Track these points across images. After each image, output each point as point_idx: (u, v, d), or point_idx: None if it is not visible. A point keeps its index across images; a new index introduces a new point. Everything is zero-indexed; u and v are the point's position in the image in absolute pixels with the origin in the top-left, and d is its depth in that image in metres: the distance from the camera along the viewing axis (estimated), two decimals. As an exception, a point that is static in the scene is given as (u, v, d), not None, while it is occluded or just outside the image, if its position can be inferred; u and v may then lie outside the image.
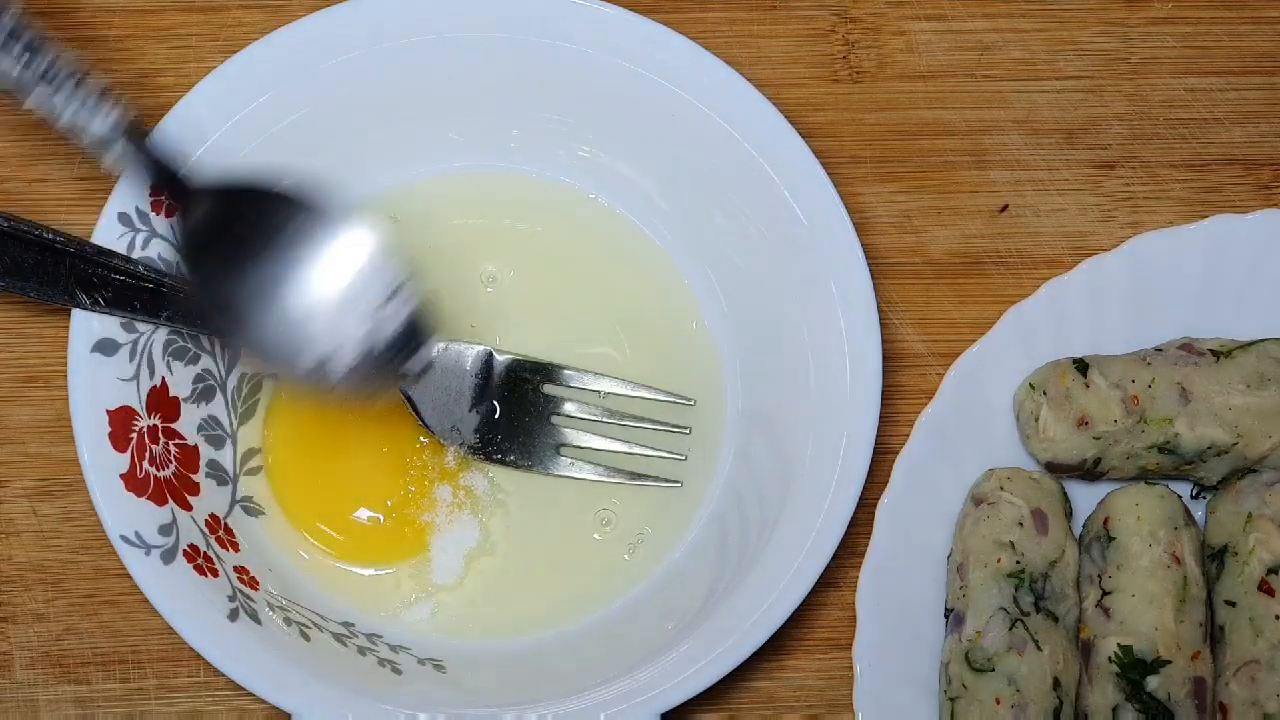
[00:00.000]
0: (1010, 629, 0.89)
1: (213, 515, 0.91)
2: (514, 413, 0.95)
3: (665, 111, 0.93)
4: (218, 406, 0.94)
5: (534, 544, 0.94)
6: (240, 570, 0.90)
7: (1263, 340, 0.93)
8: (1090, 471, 0.93)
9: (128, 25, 1.00)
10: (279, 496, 0.94)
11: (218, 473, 0.93)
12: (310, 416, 0.94)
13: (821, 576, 0.88)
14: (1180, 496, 0.92)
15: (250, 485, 0.94)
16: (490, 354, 0.95)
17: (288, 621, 0.90)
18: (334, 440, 0.95)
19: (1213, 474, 0.93)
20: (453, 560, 0.94)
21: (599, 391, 0.95)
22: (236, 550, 0.91)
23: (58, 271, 0.88)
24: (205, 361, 0.93)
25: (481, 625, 0.93)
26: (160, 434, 0.90)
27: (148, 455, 0.89)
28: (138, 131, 0.84)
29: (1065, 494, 0.93)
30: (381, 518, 0.94)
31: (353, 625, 0.92)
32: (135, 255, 0.90)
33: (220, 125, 0.91)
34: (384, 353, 0.84)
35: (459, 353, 0.95)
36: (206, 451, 0.93)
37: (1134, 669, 0.88)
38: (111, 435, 0.88)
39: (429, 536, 0.94)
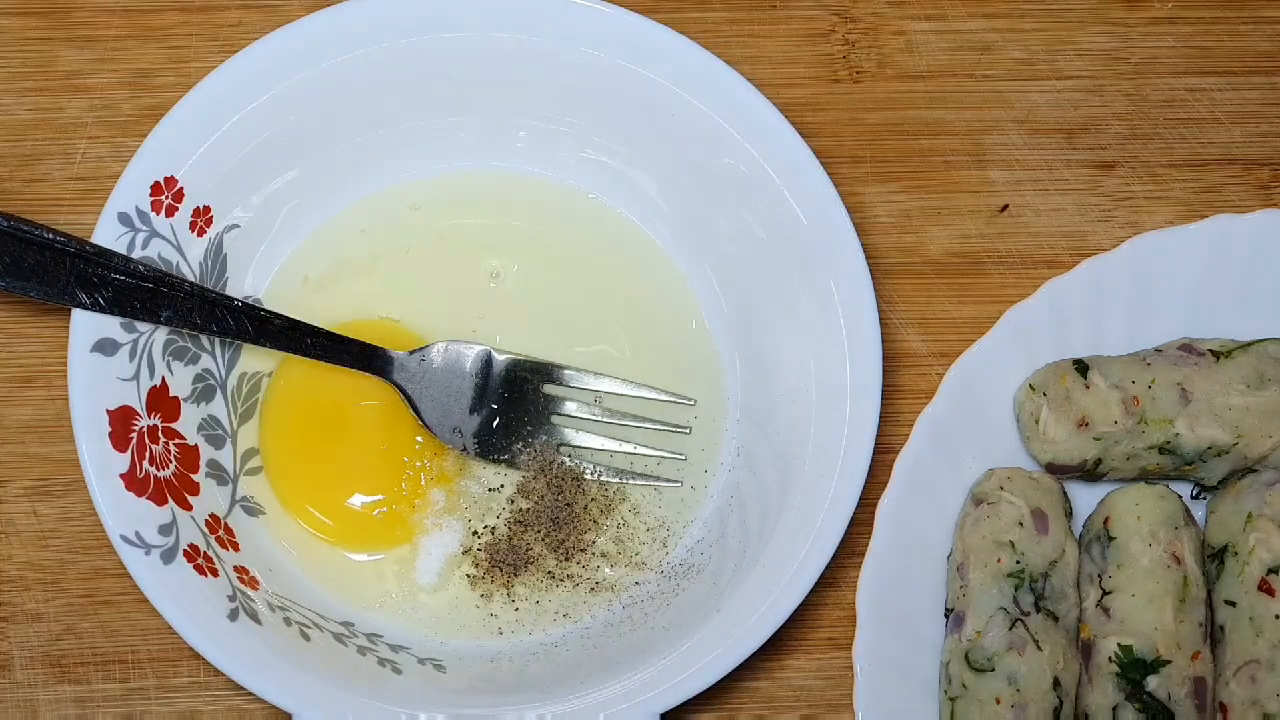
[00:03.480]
0: (1010, 629, 0.89)
1: (213, 515, 0.91)
2: (514, 413, 0.95)
3: (665, 111, 0.93)
4: (218, 406, 0.94)
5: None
6: (240, 570, 0.90)
7: (1262, 340, 0.93)
8: (1091, 472, 0.93)
9: (127, 25, 1.00)
10: (273, 479, 0.94)
11: (218, 472, 0.93)
12: (308, 410, 0.94)
13: (821, 576, 0.88)
14: (1180, 496, 0.92)
15: (250, 485, 0.94)
16: (490, 354, 0.95)
17: (287, 621, 0.90)
18: (331, 434, 0.95)
19: (1213, 474, 0.93)
20: (435, 562, 0.93)
21: (599, 391, 0.95)
22: (236, 550, 0.91)
23: (58, 271, 0.88)
24: (205, 361, 0.93)
25: (462, 627, 0.93)
26: (160, 434, 0.90)
27: (148, 455, 0.89)
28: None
29: (1065, 494, 0.93)
30: (374, 509, 0.94)
31: (352, 625, 0.92)
32: (135, 255, 0.90)
33: (220, 125, 0.91)
34: None
35: (459, 353, 0.95)
36: (206, 451, 0.93)
37: (1134, 669, 0.88)
38: (111, 435, 0.88)
39: (417, 535, 0.94)
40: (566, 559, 0.93)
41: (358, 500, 0.94)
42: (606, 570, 0.94)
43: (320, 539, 0.94)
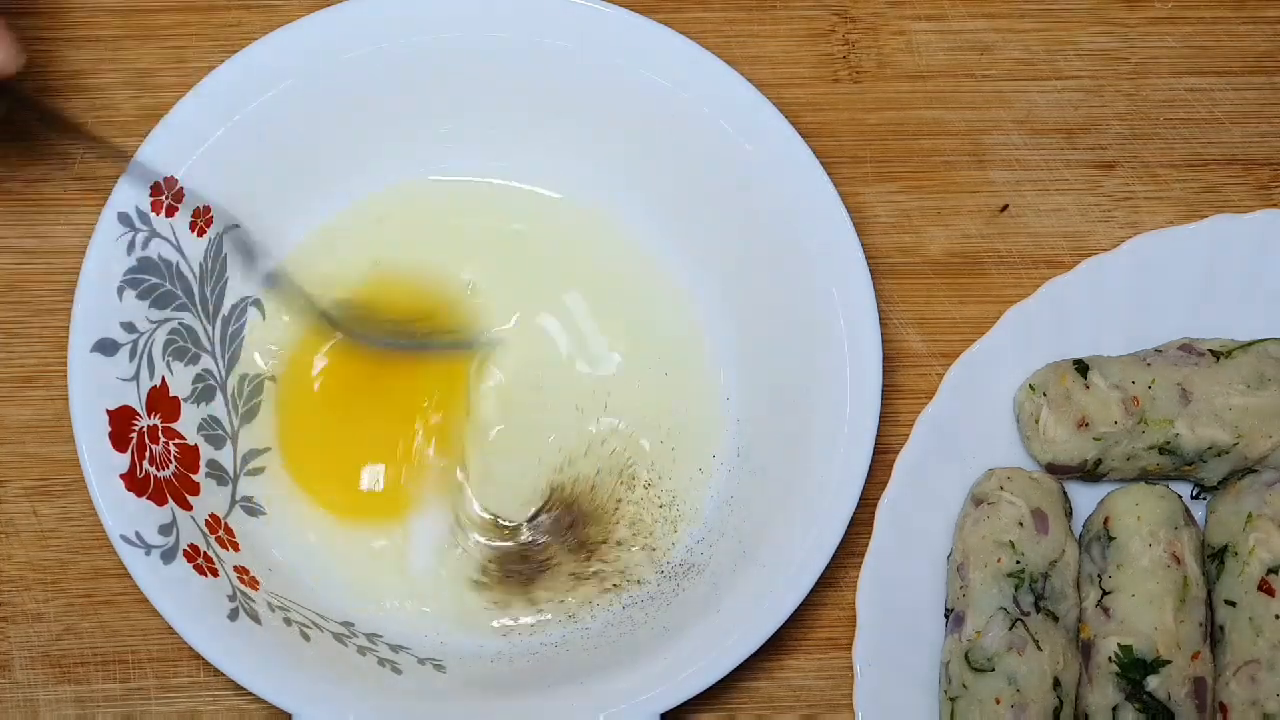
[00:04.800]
0: (1010, 629, 0.89)
1: (213, 515, 0.91)
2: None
3: (665, 111, 0.93)
4: (218, 406, 0.94)
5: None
6: (240, 570, 0.90)
7: (1262, 340, 0.93)
8: (1091, 472, 0.93)
9: (125, 25, 1.00)
10: (287, 456, 0.94)
11: (218, 473, 0.93)
12: (337, 393, 0.95)
13: (821, 576, 0.88)
14: (1180, 496, 0.92)
15: (251, 485, 0.94)
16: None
17: (288, 621, 0.90)
18: (352, 415, 0.95)
19: (1213, 474, 0.93)
20: (432, 553, 0.94)
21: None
22: (237, 550, 0.91)
23: None
24: (205, 361, 0.93)
25: (461, 627, 0.93)
26: (160, 434, 0.90)
27: (148, 455, 0.89)
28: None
29: (1065, 494, 0.93)
30: (380, 484, 0.94)
31: (352, 625, 0.92)
32: (135, 255, 0.90)
33: (220, 125, 0.91)
34: None
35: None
36: (207, 451, 0.93)
37: (1134, 669, 0.88)
38: (111, 435, 0.88)
39: (410, 515, 0.94)
40: (588, 558, 0.93)
41: (366, 474, 0.94)
42: (624, 557, 0.93)
43: (332, 516, 0.94)
